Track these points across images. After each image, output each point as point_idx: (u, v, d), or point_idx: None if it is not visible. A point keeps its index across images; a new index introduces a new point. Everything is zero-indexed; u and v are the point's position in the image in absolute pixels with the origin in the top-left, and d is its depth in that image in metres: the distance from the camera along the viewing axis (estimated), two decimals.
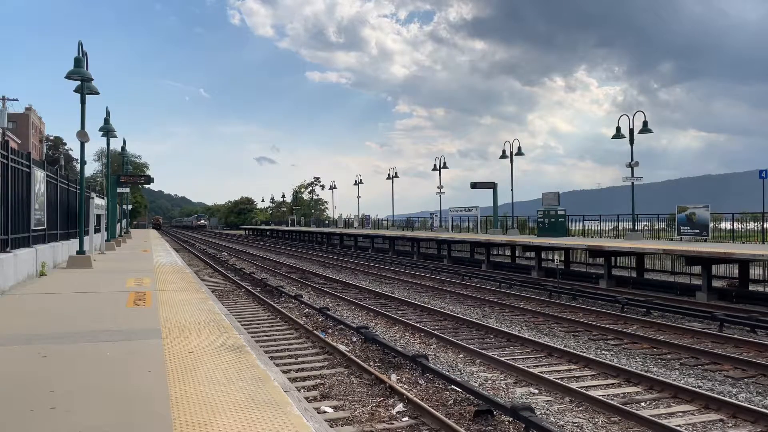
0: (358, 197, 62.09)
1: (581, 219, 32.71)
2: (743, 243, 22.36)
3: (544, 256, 26.16)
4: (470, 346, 10.89)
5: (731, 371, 9.61)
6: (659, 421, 6.92)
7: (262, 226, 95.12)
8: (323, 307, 14.59)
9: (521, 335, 12.04)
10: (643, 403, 7.95)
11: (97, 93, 16.90)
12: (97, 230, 25.24)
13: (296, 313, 14.86)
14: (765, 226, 22.82)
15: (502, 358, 9.93)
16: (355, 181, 62.10)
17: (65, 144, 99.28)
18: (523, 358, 10.38)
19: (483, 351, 10.55)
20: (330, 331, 12.41)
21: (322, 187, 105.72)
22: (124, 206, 48.04)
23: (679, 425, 6.94)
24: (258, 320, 14.04)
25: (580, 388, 8.33)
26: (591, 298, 17.19)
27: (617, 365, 9.57)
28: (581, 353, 10.49)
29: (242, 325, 9.84)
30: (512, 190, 35.53)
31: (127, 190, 45.15)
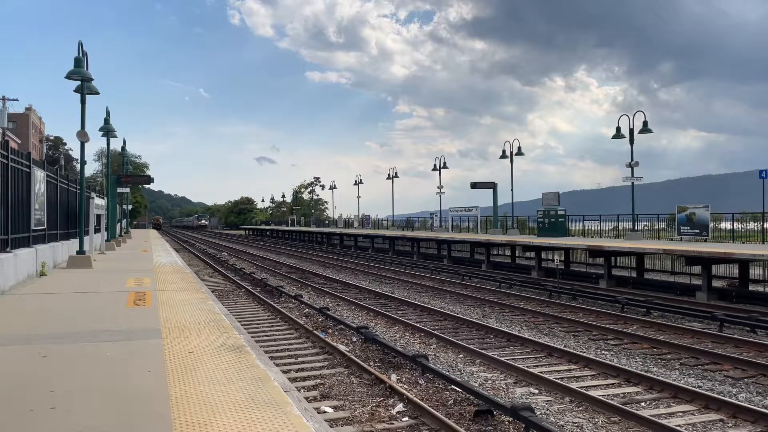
0: (358, 197, 62.22)
1: (581, 219, 32.71)
2: (743, 243, 22.36)
3: (544, 256, 26.16)
4: (470, 346, 10.89)
5: (731, 371, 9.60)
6: (659, 421, 6.92)
7: (262, 226, 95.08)
8: (323, 307, 14.59)
9: (521, 335, 12.04)
10: (643, 403, 7.95)
11: (97, 93, 16.91)
12: (97, 230, 25.25)
13: (296, 313, 14.86)
14: (765, 226, 22.81)
15: (502, 358, 9.93)
16: (355, 181, 62.15)
17: (65, 144, 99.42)
18: (523, 358, 10.38)
19: (483, 351, 10.55)
20: (330, 331, 12.41)
21: (322, 187, 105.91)
22: (124, 206, 48.03)
23: (679, 425, 6.94)
24: (258, 320, 14.04)
25: (580, 388, 8.33)
26: (591, 298, 17.19)
27: (617, 365, 9.56)
28: (581, 353, 10.49)
29: (242, 325, 9.84)
30: (512, 190, 35.58)
31: (127, 190, 45.16)
